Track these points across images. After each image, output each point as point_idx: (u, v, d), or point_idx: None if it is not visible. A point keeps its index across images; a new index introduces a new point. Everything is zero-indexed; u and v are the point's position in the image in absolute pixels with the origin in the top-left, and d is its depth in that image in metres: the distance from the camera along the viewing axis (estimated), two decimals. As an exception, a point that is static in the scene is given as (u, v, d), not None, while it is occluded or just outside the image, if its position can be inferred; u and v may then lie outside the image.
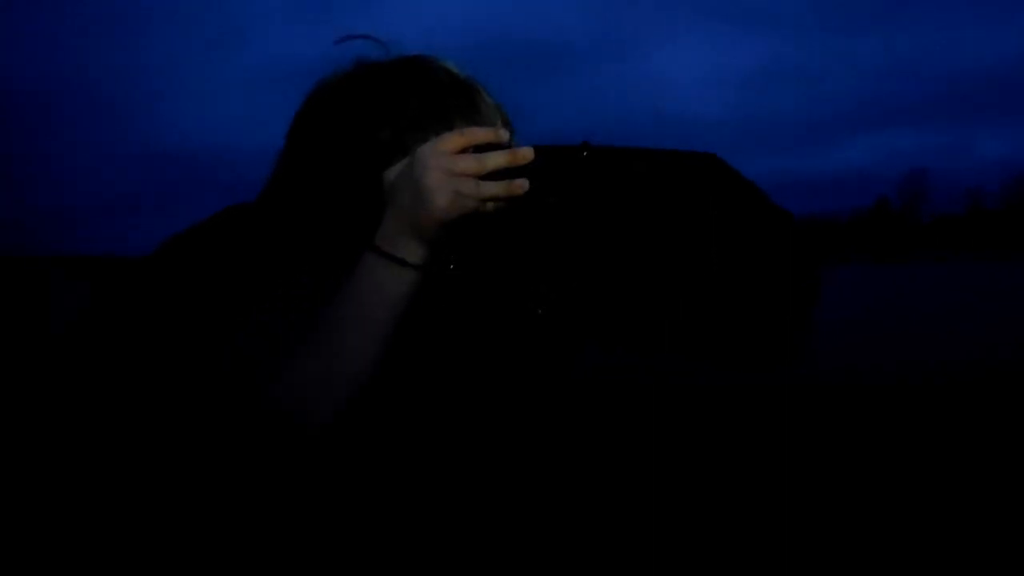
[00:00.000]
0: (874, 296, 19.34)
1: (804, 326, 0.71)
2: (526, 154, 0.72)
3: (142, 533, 0.74)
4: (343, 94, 0.81)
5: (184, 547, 0.73)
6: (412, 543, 0.78)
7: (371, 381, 0.72)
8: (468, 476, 0.81)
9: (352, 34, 0.84)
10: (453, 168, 0.70)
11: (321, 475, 0.75)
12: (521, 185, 0.72)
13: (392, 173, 0.75)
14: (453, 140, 0.72)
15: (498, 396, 0.82)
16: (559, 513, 0.86)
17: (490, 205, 0.72)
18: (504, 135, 0.74)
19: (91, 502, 0.75)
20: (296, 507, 0.75)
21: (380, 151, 0.78)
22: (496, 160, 0.72)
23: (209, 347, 0.73)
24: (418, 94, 0.80)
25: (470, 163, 0.71)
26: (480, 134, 0.73)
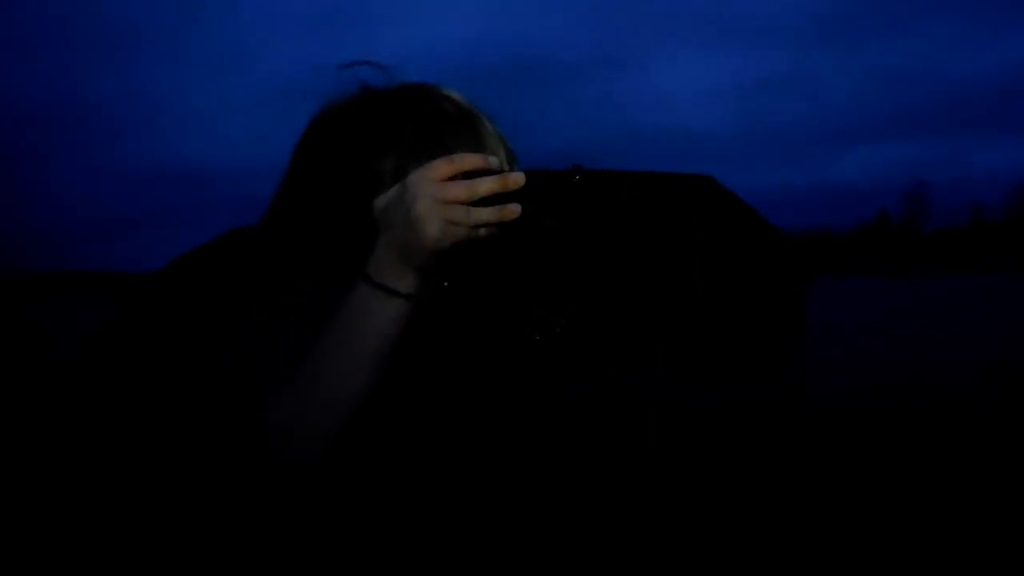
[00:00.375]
0: (876, 309, 19.24)
1: (793, 342, 0.73)
2: (517, 179, 0.71)
3: (142, 536, 0.74)
4: (344, 121, 0.82)
5: (183, 550, 0.74)
6: (404, 566, 0.79)
7: (365, 406, 0.72)
8: (465, 497, 0.81)
9: (356, 60, 0.85)
10: (443, 196, 0.70)
11: (315, 495, 0.75)
12: (513, 210, 0.71)
13: (382, 200, 0.75)
14: (442, 167, 0.71)
15: (495, 420, 0.83)
16: (556, 536, 0.86)
17: (482, 231, 0.71)
18: (493, 161, 0.74)
19: (92, 506, 0.75)
20: (288, 522, 0.76)
21: (379, 179, 0.78)
22: (486, 186, 0.71)
23: (210, 349, 0.74)
24: (416, 121, 0.80)
25: (460, 190, 0.70)
26: (469, 160, 0.72)
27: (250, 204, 0.86)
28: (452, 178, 0.71)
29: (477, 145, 0.81)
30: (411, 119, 0.80)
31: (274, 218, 0.83)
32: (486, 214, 0.71)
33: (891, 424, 4.95)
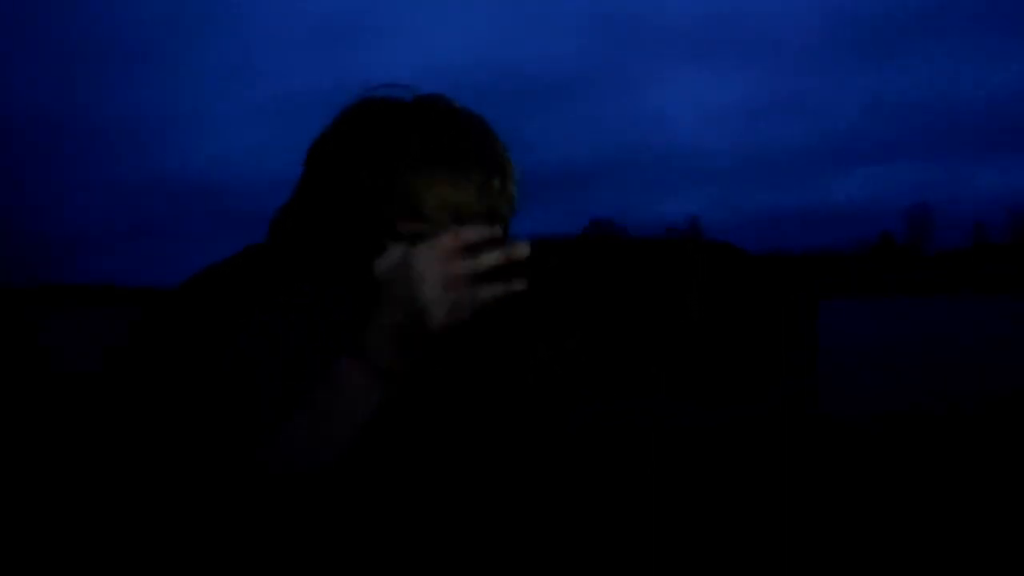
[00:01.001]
0: (880, 329, 19.22)
1: (788, 361, 0.73)
2: (521, 250, 0.71)
3: (137, 543, 0.74)
4: (350, 134, 0.81)
5: (178, 556, 0.73)
6: None
7: (363, 440, 0.72)
8: (465, 522, 0.81)
9: (378, 84, 0.84)
10: (448, 275, 0.69)
11: (310, 510, 0.75)
12: (518, 286, 0.70)
13: (383, 266, 0.74)
14: (446, 244, 0.70)
15: (495, 450, 0.83)
16: (558, 561, 0.85)
17: (486, 303, 0.70)
18: (497, 231, 0.73)
19: (87, 512, 0.75)
20: (281, 532, 0.75)
21: (387, 192, 0.78)
22: (491, 260, 0.70)
23: (214, 351, 0.74)
24: (423, 133, 0.79)
25: (465, 267, 0.69)
26: (472, 234, 0.71)
27: (258, 217, 0.87)
28: (456, 252, 0.70)
29: (482, 159, 0.80)
30: (418, 131, 0.80)
31: (286, 231, 0.83)
32: (491, 291, 0.70)
33: (895, 444, 4.92)
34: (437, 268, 0.69)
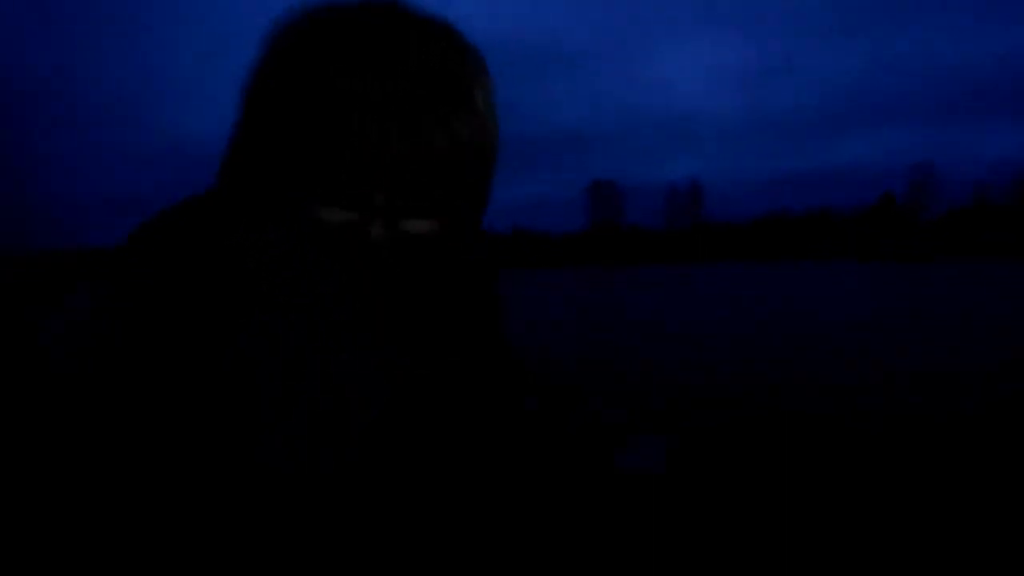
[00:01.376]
0: (877, 294, 19.23)
1: None
2: None
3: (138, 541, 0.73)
4: (296, 43, 0.66)
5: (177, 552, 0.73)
6: None
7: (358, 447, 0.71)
8: (466, 533, 0.80)
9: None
10: None
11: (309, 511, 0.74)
12: None
13: None
14: None
15: (496, 456, 0.82)
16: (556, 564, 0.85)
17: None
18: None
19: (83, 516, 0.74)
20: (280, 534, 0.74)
21: (343, 102, 0.63)
22: None
23: (211, 349, 0.73)
24: (380, 37, 0.64)
25: None
26: None
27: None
28: None
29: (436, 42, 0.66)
30: (375, 37, 0.64)
31: (235, 174, 0.72)
32: None
33: (895, 444, 4.92)
34: None
